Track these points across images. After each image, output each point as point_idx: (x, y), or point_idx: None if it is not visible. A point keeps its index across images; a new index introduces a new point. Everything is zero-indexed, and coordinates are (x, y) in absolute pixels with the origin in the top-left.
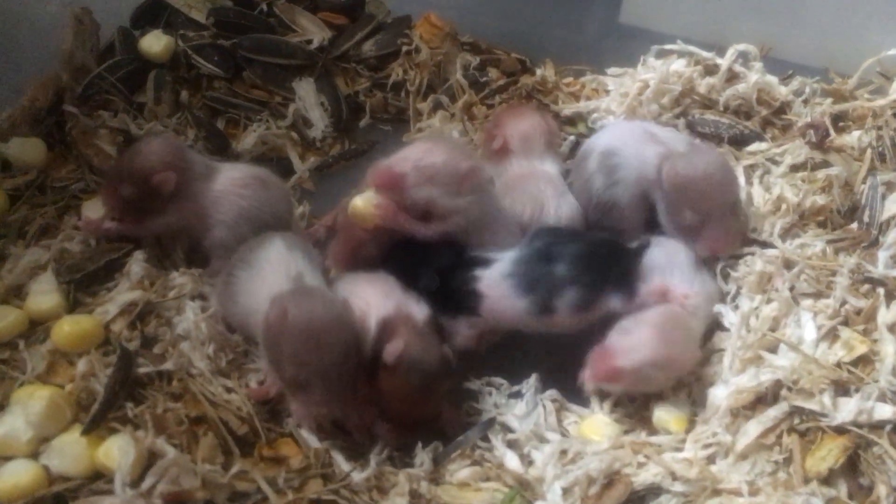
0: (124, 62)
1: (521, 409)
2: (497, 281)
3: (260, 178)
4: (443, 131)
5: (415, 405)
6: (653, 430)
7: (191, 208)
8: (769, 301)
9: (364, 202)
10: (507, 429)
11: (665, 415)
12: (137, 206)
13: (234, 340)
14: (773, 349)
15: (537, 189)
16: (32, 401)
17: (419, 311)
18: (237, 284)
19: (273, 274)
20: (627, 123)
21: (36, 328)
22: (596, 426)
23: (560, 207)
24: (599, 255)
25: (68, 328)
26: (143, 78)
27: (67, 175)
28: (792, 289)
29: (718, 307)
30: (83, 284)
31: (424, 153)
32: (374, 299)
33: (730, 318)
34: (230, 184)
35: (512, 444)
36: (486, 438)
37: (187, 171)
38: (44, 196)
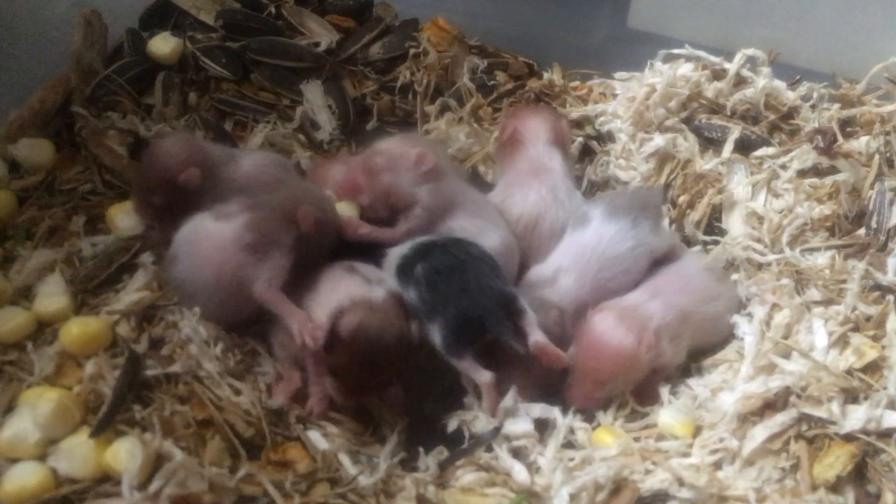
0: (133, 64)
1: (525, 418)
2: (390, 264)
3: (275, 157)
4: (450, 134)
5: (365, 371)
6: (659, 435)
7: (227, 188)
8: (781, 309)
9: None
10: (511, 437)
11: (671, 419)
12: (173, 208)
13: (242, 341)
14: (786, 355)
15: (538, 197)
16: (40, 402)
17: (375, 292)
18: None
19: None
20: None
21: (44, 330)
22: (608, 433)
23: (557, 220)
24: (457, 287)
25: (76, 330)
26: (152, 80)
27: (76, 176)
28: (803, 295)
29: (734, 317)
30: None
31: (370, 153)
32: (322, 297)
33: (743, 327)
34: (256, 163)
35: (517, 453)
36: (490, 448)
37: (209, 160)
38: (52, 197)
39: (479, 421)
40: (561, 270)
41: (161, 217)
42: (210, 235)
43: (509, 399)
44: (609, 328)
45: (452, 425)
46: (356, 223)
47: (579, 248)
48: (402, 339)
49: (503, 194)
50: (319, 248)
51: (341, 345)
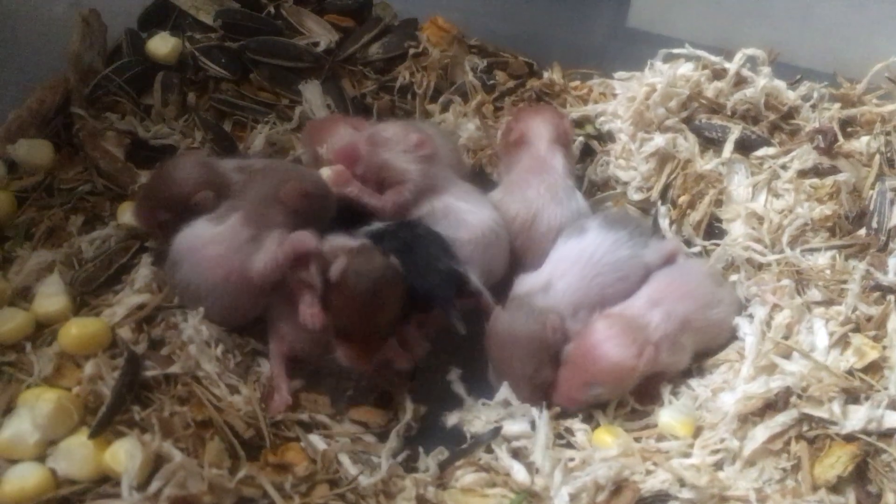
0: (132, 64)
1: (524, 419)
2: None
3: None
4: (458, 124)
5: (369, 314)
6: (659, 435)
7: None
8: (781, 309)
9: (329, 173)
10: (511, 438)
11: (671, 420)
12: (178, 222)
13: (244, 341)
14: (786, 356)
15: (536, 194)
16: (39, 403)
17: (353, 241)
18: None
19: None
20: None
21: (43, 330)
22: (609, 433)
23: (554, 218)
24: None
25: (75, 331)
26: (151, 80)
27: (75, 177)
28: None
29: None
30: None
31: (377, 129)
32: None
33: (744, 328)
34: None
35: (517, 453)
36: (489, 448)
37: (221, 180)
38: (51, 198)
39: (478, 421)
40: (555, 275)
41: (163, 227)
42: (212, 240)
43: (504, 394)
44: (612, 337)
45: (451, 423)
46: (345, 178)
47: (575, 254)
48: (391, 274)
49: (503, 192)
50: (317, 218)
51: (336, 293)
